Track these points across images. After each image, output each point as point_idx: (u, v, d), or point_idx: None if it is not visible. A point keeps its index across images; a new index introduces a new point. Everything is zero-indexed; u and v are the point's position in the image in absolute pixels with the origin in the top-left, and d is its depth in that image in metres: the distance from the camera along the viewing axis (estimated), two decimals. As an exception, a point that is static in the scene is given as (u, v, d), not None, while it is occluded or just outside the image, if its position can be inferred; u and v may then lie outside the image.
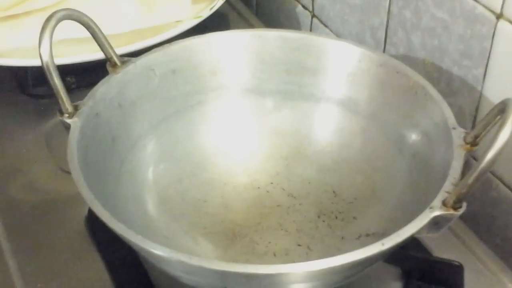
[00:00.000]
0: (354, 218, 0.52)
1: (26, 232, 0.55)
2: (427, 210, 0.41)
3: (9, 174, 0.61)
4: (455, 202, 0.41)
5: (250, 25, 0.81)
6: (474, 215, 0.56)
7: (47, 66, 0.47)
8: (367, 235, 0.50)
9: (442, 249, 0.53)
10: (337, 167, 0.56)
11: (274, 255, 0.50)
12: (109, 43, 0.53)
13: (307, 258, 0.50)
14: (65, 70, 0.64)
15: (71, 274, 0.52)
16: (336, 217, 0.53)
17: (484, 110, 0.53)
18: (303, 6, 0.75)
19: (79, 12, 0.50)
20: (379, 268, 0.49)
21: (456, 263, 0.49)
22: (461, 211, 0.41)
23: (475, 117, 0.54)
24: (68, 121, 0.48)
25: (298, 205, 0.54)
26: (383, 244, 0.39)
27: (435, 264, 0.50)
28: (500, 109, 0.42)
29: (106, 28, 0.54)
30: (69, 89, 0.66)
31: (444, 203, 0.41)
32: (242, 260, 0.50)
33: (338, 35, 0.69)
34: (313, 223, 0.53)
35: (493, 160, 0.39)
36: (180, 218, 0.53)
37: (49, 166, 0.62)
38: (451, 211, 0.41)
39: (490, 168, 0.39)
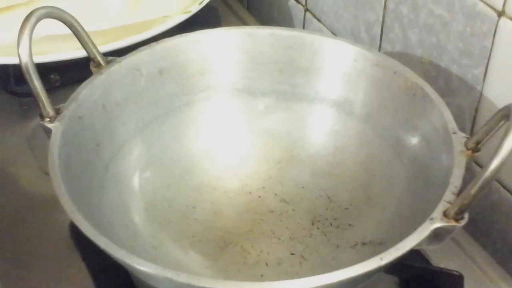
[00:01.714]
0: (349, 225, 0.51)
1: (7, 239, 0.53)
2: (427, 222, 0.39)
3: (-10, 177, 0.59)
4: (456, 213, 0.39)
5: (241, 20, 0.80)
6: (474, 220, 0.54)
7: (26, 67, 0.45)
8: (363, 243, 0.48)
9: (441, 256, 0.51)
10: (332, 171, 0.54)
11: (267, 265, 0.49)
12: (92, 42, 0.51)
13: (300, 268, 0.48)
14: (49, 68, 0.63)
15: (55, 284, 0.50)
16: (331, 224, 0.51)
17: (484, 111, 0.52)
18: (296, 0, 0.73)
19: (60, 10, 0.48)
20: (375, 278, 0.47)
21: (456, 273, 0.48)
22: (463, 222, 0.39)
23: (474, 118, 0.53)
24: (49, 125, 0.46)
25: (291, 211, 0.53)
26: (381, 259, 0.37)
27: (434, 274, 0.48)
28: (504, 115, 0.41)
29: (90, 24, 0.52)
30: (53, 87, 0.64)
31: (445, 214, 0.39)
32: (233, 270, 0.48)
33: (332, 30, 0.67)
34: (307, 230, 0.51)
35: (498, 169, 0.37)
36: (168, 226, 0.51)
37: (32, 168, 0.60)
38: (453, 223, 0.39)
39: (495, 178, 0.38)
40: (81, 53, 0.55)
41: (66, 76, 0.66)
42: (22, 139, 0.63)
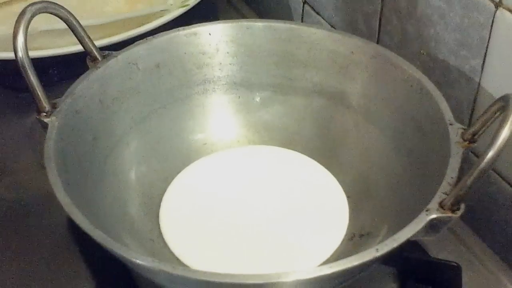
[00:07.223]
0: (347, 217, 0.51)
1: (5, 232, 0.54)
2: (423, 213, 0.39)
3: (-11, 172, 0.59)
4: (452, 204, 0.39)
5: (240, 13, 0.79)
6: (472, 210, 0.54)
7: (22, 62, 0.45)
8: (361, 235, 0.48)
9: (439, 247, 0.51)
10: (330, 164, 0.54)
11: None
12: (88, 37, 0.51)
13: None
14: (46, 62, 0.63)
15: (53, 277, 0.50)
16: (329, 216, 0.51)
17: (482, 102, 0.51)
18: (294, -7, 0.73)
19: (56, 4, 0.48)
20: (373, 269, 0.47)
21: (454, 264, 0.47)
22: (459, 213, 0.39)
23: (472, 109, 0.53)
24: (46, 120, 0.46)
25: (290, 203, 0.52)
26: (377, 250, 0.37)
27: (432, 265, 0.48)
28: (500, 106, 0.40)
29: (87, 18, 0.52)
30: (51, 82, 0.64)
31: (441, 205, 0.39)
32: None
33: (330, 23, 0.67)
34: (305, 222, 0.51)
35: (493, 160, 0.37)
36: (166, 219, 0.51)
37: (31, 163, 0.60)
38: (449, 214, 0.39)
39: (490, 168, 0.38)
40: (77, 47, 0.55)
41: (64, 70, 0.66)
42: (20, 133, 0.63)
